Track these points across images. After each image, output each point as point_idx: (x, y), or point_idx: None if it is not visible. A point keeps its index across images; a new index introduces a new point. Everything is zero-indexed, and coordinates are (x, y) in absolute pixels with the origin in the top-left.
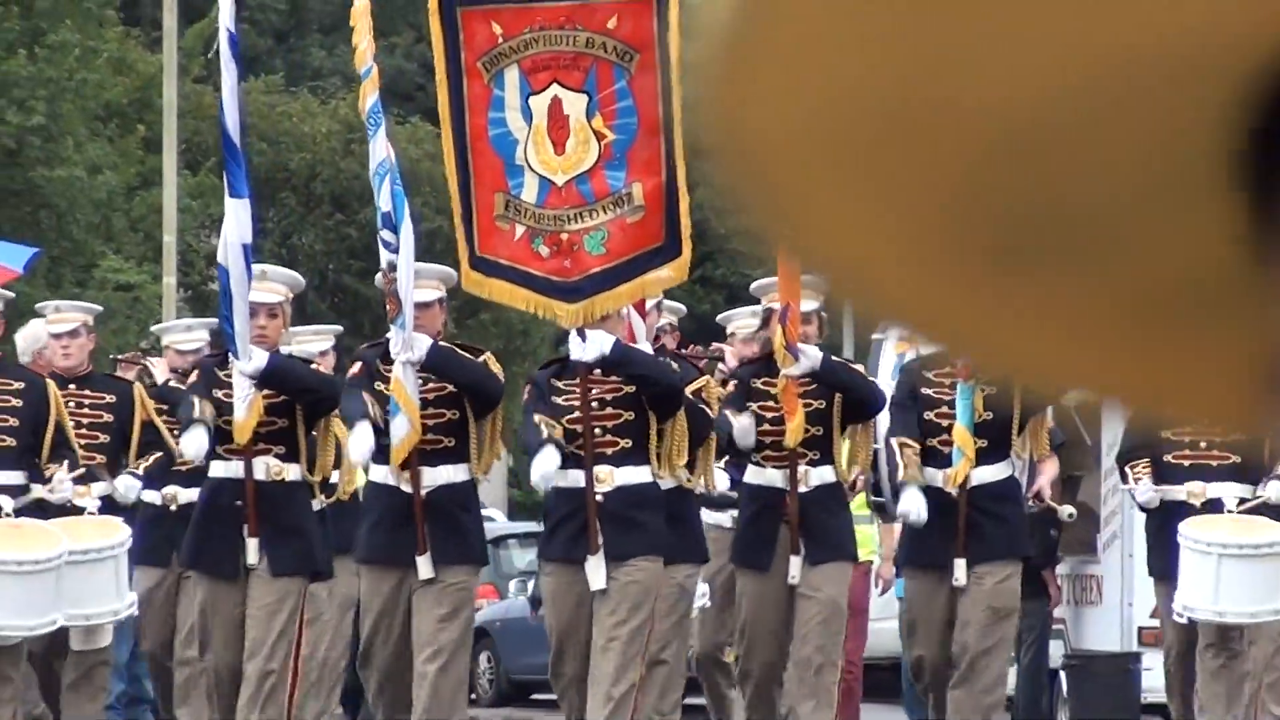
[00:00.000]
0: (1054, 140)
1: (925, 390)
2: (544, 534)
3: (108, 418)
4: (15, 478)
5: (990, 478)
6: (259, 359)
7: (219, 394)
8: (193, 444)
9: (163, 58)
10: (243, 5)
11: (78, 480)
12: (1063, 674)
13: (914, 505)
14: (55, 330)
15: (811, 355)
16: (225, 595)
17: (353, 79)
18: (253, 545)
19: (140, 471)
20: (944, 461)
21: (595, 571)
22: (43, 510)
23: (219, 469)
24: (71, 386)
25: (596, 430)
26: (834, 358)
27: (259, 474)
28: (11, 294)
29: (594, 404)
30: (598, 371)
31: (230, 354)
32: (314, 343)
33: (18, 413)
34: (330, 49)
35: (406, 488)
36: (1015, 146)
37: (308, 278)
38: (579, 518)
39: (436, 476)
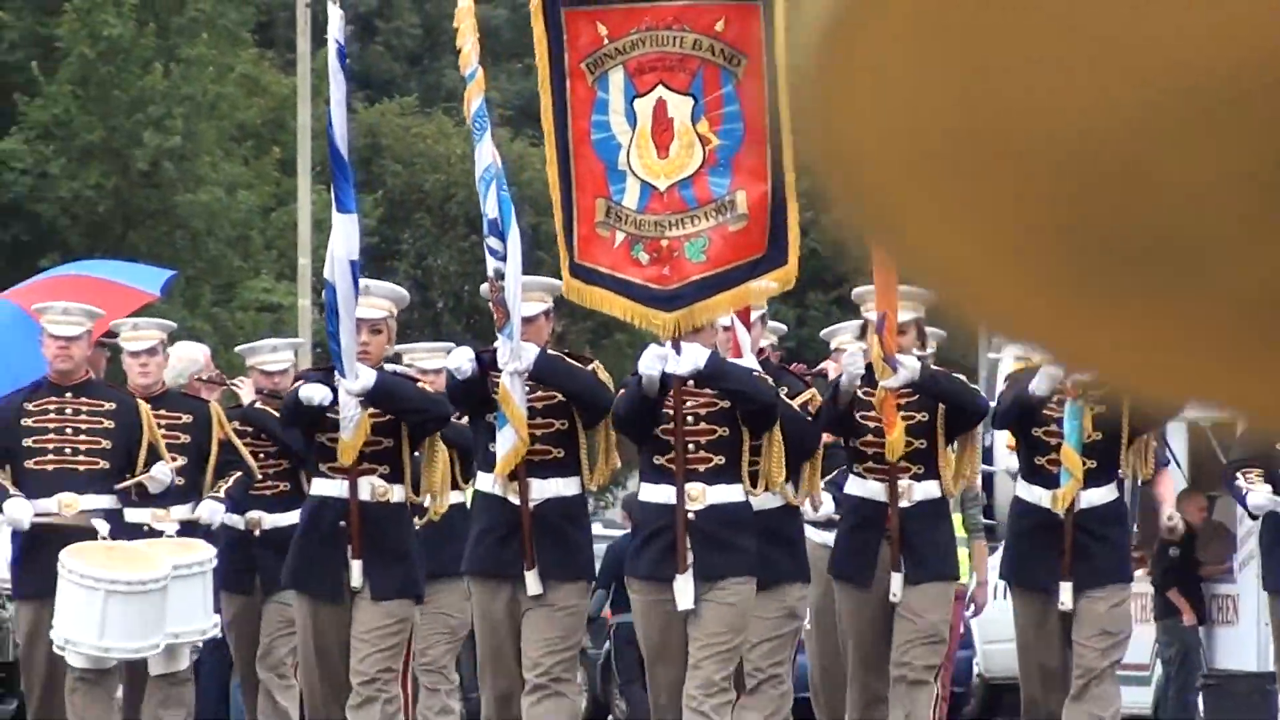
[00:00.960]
0: (1161, 155)
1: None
2: (630, 550)
3: (184, 438)
4: (110, 501)
5: (1098, 500)
6: (366, 377)
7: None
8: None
9: (296, 80)
10: (376, 29)
11: (158, 499)
12: (1200, 694)
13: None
14: (133, 348)
15: (910, 366)
16: (328, 618)
17: (491, 103)
18: (356, 568)
19: (222, 494)
20: (1051, 481)
21: (683, 590)
22: (126, 534)
23: (322, 487)
24: (147, 407)
25: (689, 445)
26: (934, 367)
27: (364, 494)
28: (173, 324)
29: (687, 418)
30: (691, 384)
31: (336, 372)
32: (428, 359)
33: (110, 434)
34: None
35: (514, 499)
36: (1124, 163)
37: (443, 299)
38: (668, 535)
39: (545, 489)
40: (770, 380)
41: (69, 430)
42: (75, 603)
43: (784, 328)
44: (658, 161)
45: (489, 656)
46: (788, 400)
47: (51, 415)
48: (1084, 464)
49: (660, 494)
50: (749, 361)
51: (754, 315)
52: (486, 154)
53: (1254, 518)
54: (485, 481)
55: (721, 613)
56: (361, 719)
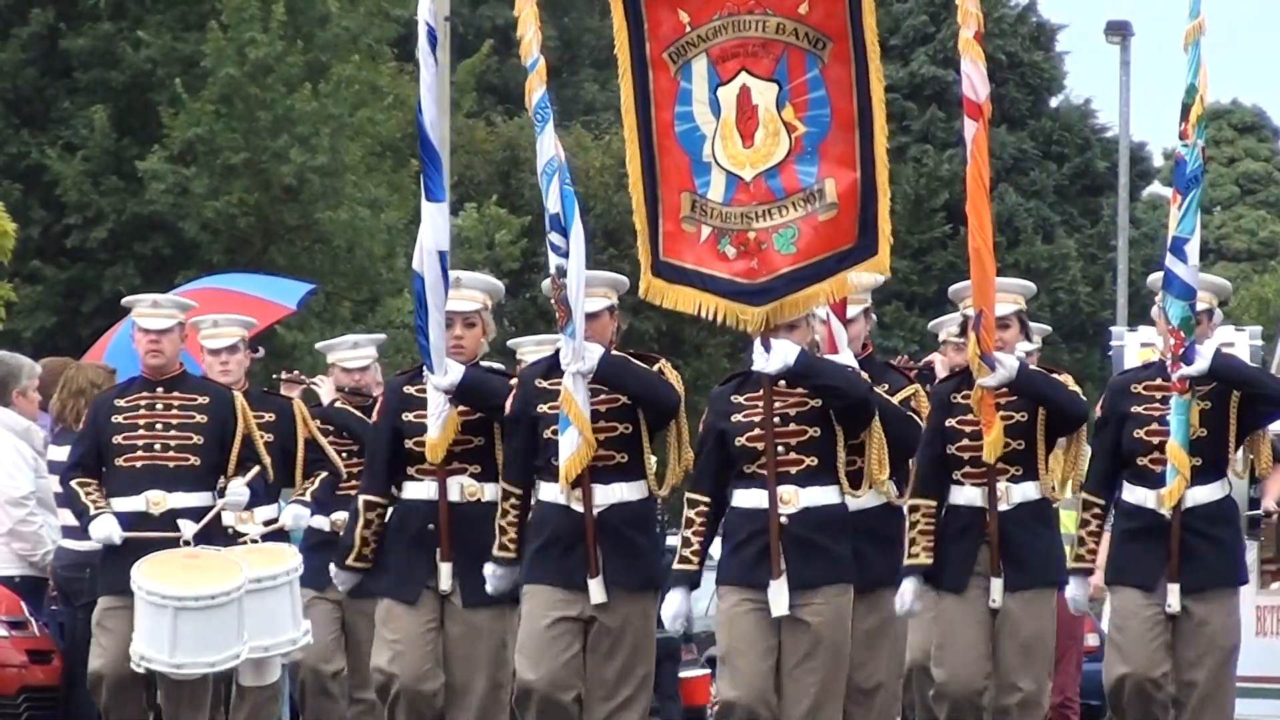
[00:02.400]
0: None
1: (1134, 408)
2: (721, 557)
3: (268, 437)
4: (202, 498)
5: (1206, 498)
6: (454, 373)
7: (408, 416)
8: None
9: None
10: (514, 43)
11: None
12: None
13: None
14: (213, 346)
15: (1008, 365)
16: (408, 617)
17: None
18: (445, 570)
19: (308, 498)
20: (1156, 481)
21: (778, 597)
22: (210, 538)
23: (411, 490)
24: (242, 398)
25: (780, 448)
26: (1034, 367)
27: (453, 495)
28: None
29: (777, 419)
30: (782, 384)
31: (425, 367)
32: (535, 353)
33: (203, 430)
34: (603, 83)
35: (578, 506)
36: None
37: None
38: (760, 541)
39: (610, 495)
40: (868, 377)
41: (159, 425)
42: (147, 618)
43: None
44: (743, 151)
45: (537, 667)
46: (888, 397)
47: (143, 411)
48: (1191, 461)
49: (750, 499)
50: (846, 358)
51: (856, 310)
52: (548, 146)
53: None
54: (547, 491)
55: (819, 629)
56: None
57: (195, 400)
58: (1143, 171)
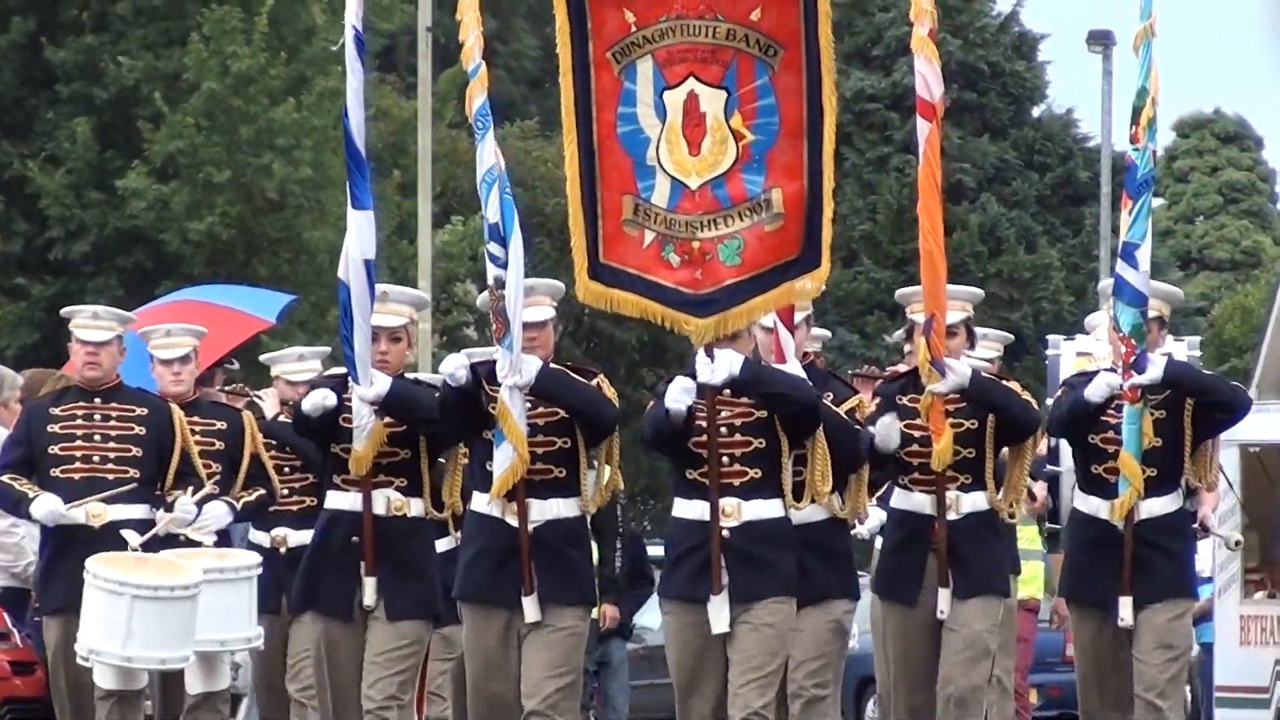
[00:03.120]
0: None
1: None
2: (664, 570)
3: (219, 445)
4: (141, 510)
5: (1159, 510)
6: (380, 384)
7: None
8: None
9: (417, 104)
10: (496, 53)
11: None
12: None
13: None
14: (165, 356)
15: (959, 371)
16: (341, 636)
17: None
18: (370, 585)
19: (237, 503)
20: (1109, 491)
21: (718, 613)
22: (162, 545)
23: (335, 500)
24: (181, 412)
25: (724, 459)
26: (985, 374)
27: (378, 508)
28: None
29: (721, 429)
30: (726, 393)
31: (350, 378)
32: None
33: (141, 441)
34: None
35: (512, 520)
36: None
37: (563, 323)
38: (702, 553)
39: (546, 510)
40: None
41: (98, 437)
42: (100, 609)
43: (828, 334)
44: (689, 158)
45: (480, 684)
46: (833, 407)
47: (79, 421)
48: (1144, 472)
49: (693, 510)
50: (792, 366)
51: (798, 318)
52: (488, 154)
53: None
54: (480, 502)
55: (759, 637)
56: None
57: (133, 412)
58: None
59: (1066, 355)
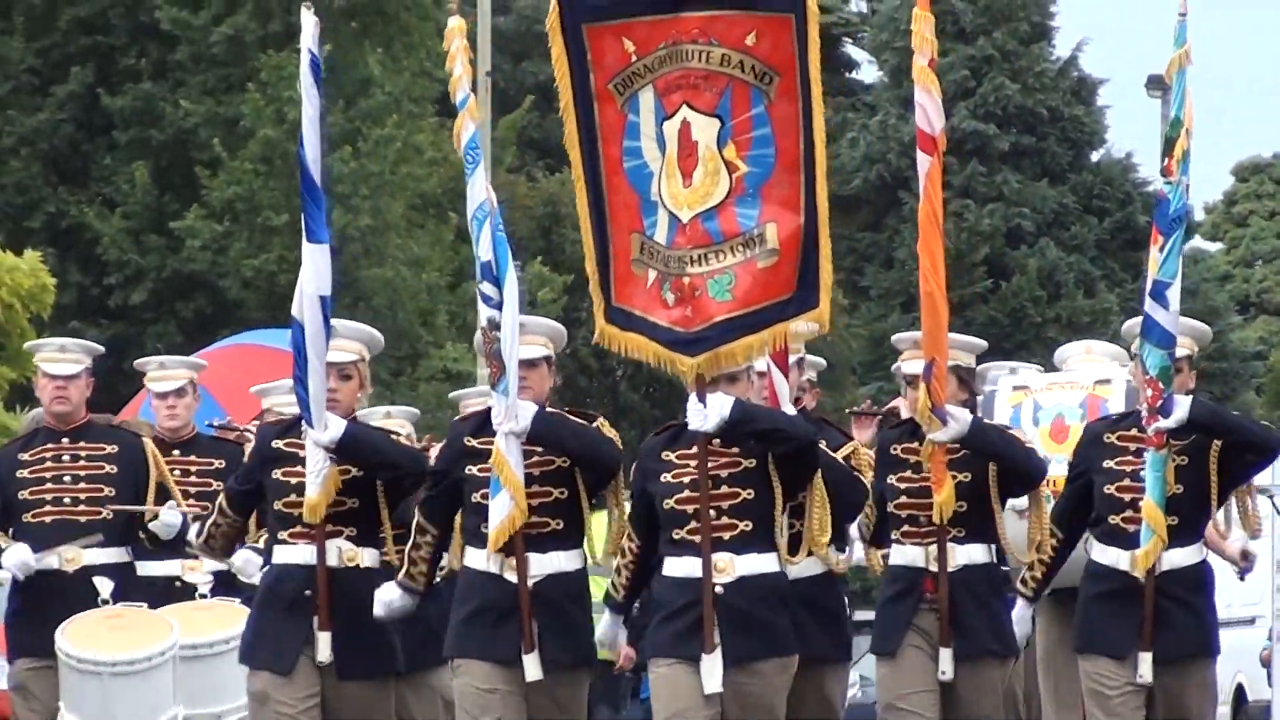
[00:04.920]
0: None
1: (1106, 462)
2: (652, 627)
3: (216, 485)
4: (117, 554)
5: (1183, 561)
6: (335, 427)
7: (278, 473)
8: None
9: None
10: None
11: (187, 551)
12: None
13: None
14: (159, 389)
15: (960, 419)
16: (280, 691)
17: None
18: (324, 640)
19: (261, 545)
20: (1129, 542)
21: (711, 672)
22: (154, 590)
23: (283, 555)
24: (176, 452)
25: (713, 511)
26: (987, 421)
27: (331, 559)
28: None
29: (711, 480)
30: (716, 442)
31: (304, 421)
32: (477, 405)
33: (113, 480)
34: None
35: (511, 576)
36: None
37: (621, 368)
38: (693, 612)
39: (545, 565)
40: None
41: (68, 478)
42: (78, 690)
43: (823, 362)
44: (682, 190)
45: None
46: (829, 452)
47: (49, 463)
48: (1166, 520)
49: (683, 568)
50: (786, 409)
51: (790, 359)
52: (480, 190)
53: None
54: (475, 558)
55: (755, 704)
56: None
57: (103, 450)
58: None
59: (1003, 390)
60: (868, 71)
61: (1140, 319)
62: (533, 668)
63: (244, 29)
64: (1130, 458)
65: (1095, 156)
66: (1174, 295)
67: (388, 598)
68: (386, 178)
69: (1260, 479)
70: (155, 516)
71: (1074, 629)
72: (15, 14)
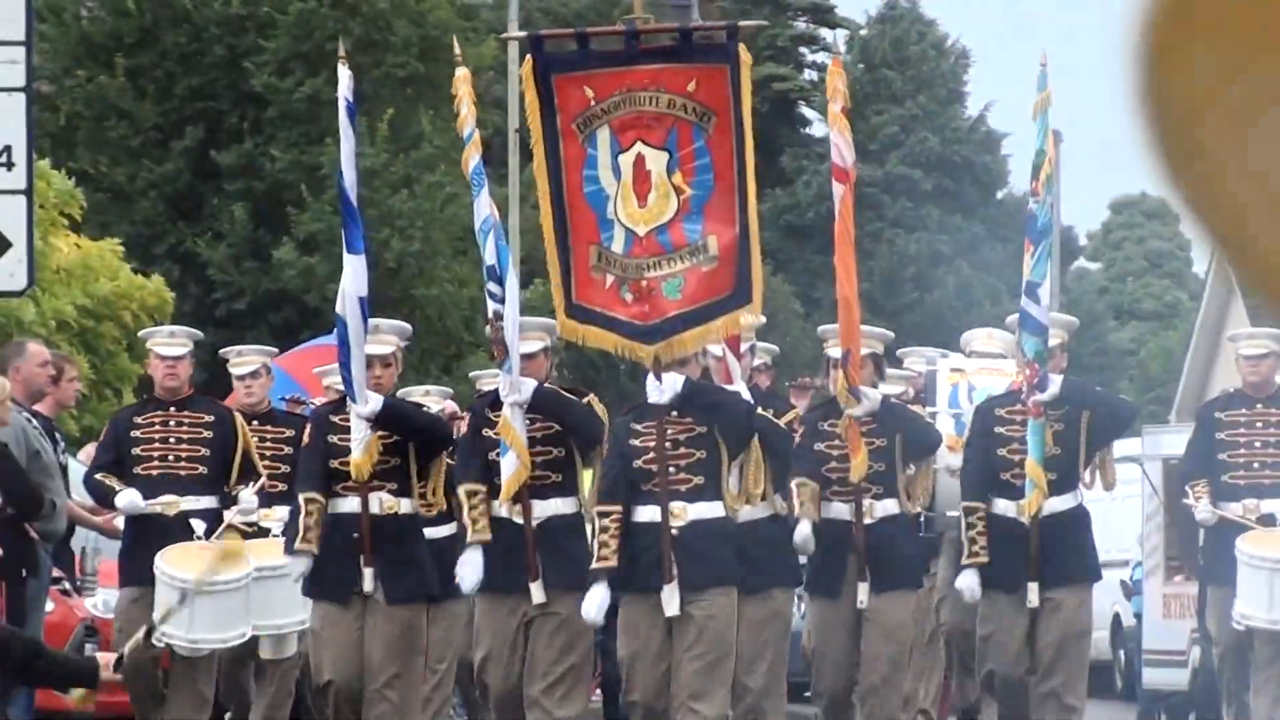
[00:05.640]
0: None
1: (998, 429)
2: (622, 567)
3: (288, 450)
4: (209, 502)
5: (1061, 507)
6: (374, 402)
7: (333, 438)
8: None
9: (507, 190)
10: None
11: (262, 502)
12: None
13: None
14: (238, 372)
15: (872, 397)
16: (337, 618)
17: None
18: (368, 574)
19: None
20: (1017, 493)
21: (670, 599)
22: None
23: (337, 506)
24: (254, 423)
25: (671, 469)
26: (893, 399)
27: (374, 508)
28: (275, 350)
29: (669, 444)
30: (673, 414)
31: (349, 398)
32: (491, 383)
33: (209, 444)
34: None
35: (519, 519)
36: None
37: (624, 364)
38: (654, 550)
39: (546, 509)
40: (754, 402)
41: (172, 440)
42: (168, 601)
43: (776, 349)
44: (638, 210)
45: (495, 659)
46: (770, 417)
47: (157, 427)
48: (1046, 476)
49: (646, 514)
50: (739, 387)
51: (744, 346)
52: (484, 207)
53: (1204, 528)
54: (491, 507)
55: (708, 627)
56: (375, 711)
57: (203, 419)
58: (1071, 249)
59: (942, 371)
60: (818, 127)
61: (1018, 314)
62: (538, 593)
63: (321, 90)
64: (1016, 426)
65: (1000, 195)
66: (1044, 293)
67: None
68: (436, 215)
69: (1131, 448)
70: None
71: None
72: (144, 82)
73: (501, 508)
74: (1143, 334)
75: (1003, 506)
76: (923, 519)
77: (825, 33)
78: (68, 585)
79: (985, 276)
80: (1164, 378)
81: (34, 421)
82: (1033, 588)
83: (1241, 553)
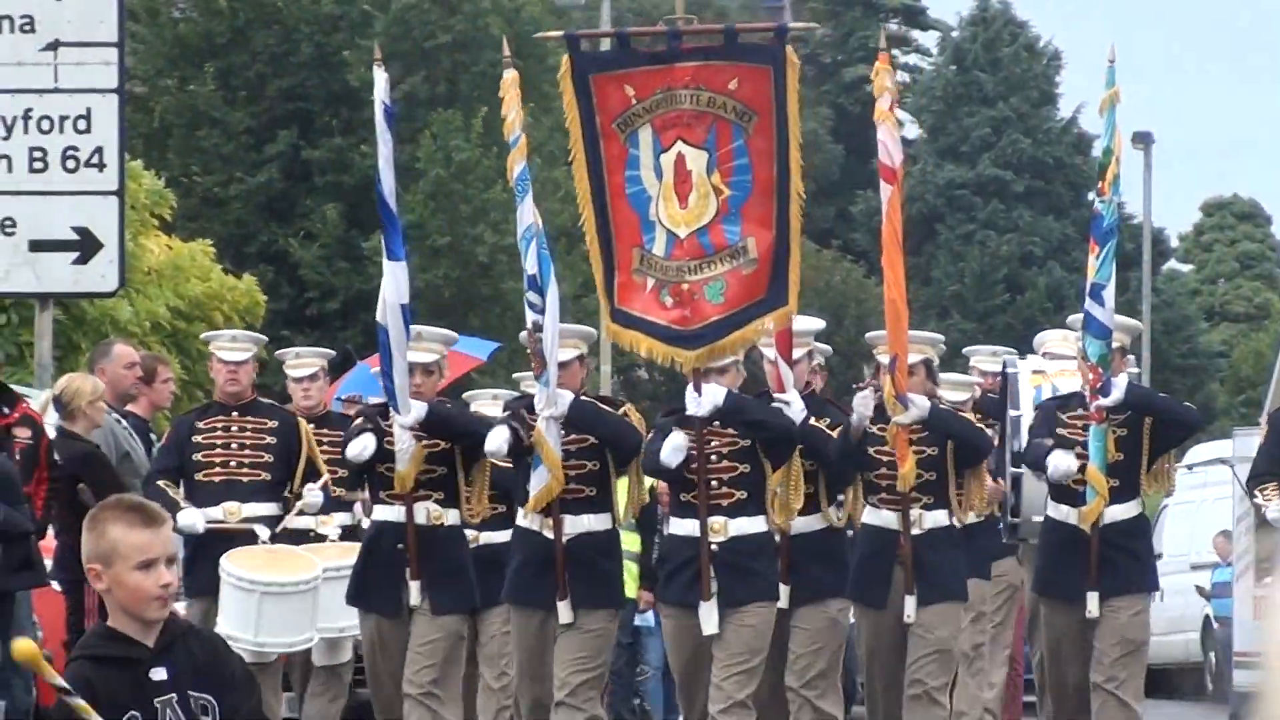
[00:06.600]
0: None
1: (1060, 431)
2: (661, 579)
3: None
4: (271, 509)
5: (1122, 515)
6: (417, 410)
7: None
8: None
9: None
10: None
11: (321, 508)
12: None
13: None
14: (296, 374)
15: (920, 404)
16: (390, 631)
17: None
18: (415, 587)
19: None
20: (1078, 500)
21: (708, 617)
22: (293, 539)
23: (381, 513)
24: (311, 426)
25: (712, 483)
26: (942, 405)
27: (419, 519)
28: (332, 352)
29: (710, 457)
30: (716, 424)
31: (391, 407)
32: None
33: (272, 449)
34: None
35: (548, 533)
36: None
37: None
38: (694, 565)
39: (578, 525)
40: (809, 411)
41: (234, 445)
42: (234, 603)
43: (829, 349)
44: (679, 211)
45: (525, 672)
46: (819, 427)
47: (219, 432)
48: (1108, 482)
49: (686, 527)
50: (791, 395)
51: (800, 353)
52: (527, 214)
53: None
54: (522, 518)
55: (742, 635)
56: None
57: (265, 424)
58: (1162, 251)
59: (1024, 373)
60: (910, 129)
61: (1082, 315)
62: (565, 613)
63: (416, 89)
64: (1078, 430)
65: (1091, 196)
66: (1109, 295)
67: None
68: None
69: (1221, 450)
70: (300, 497)
71: (1034, 574)
72: (236, 85)
73: (529, 519)
74: (1234, 336)
75: (1063, 513)
76: (1004, 525)
77: (916, 34)
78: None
79: (1077, 277)
80: (1255, 379)
81: (123, 422)
82: (1092, 597)
83: None
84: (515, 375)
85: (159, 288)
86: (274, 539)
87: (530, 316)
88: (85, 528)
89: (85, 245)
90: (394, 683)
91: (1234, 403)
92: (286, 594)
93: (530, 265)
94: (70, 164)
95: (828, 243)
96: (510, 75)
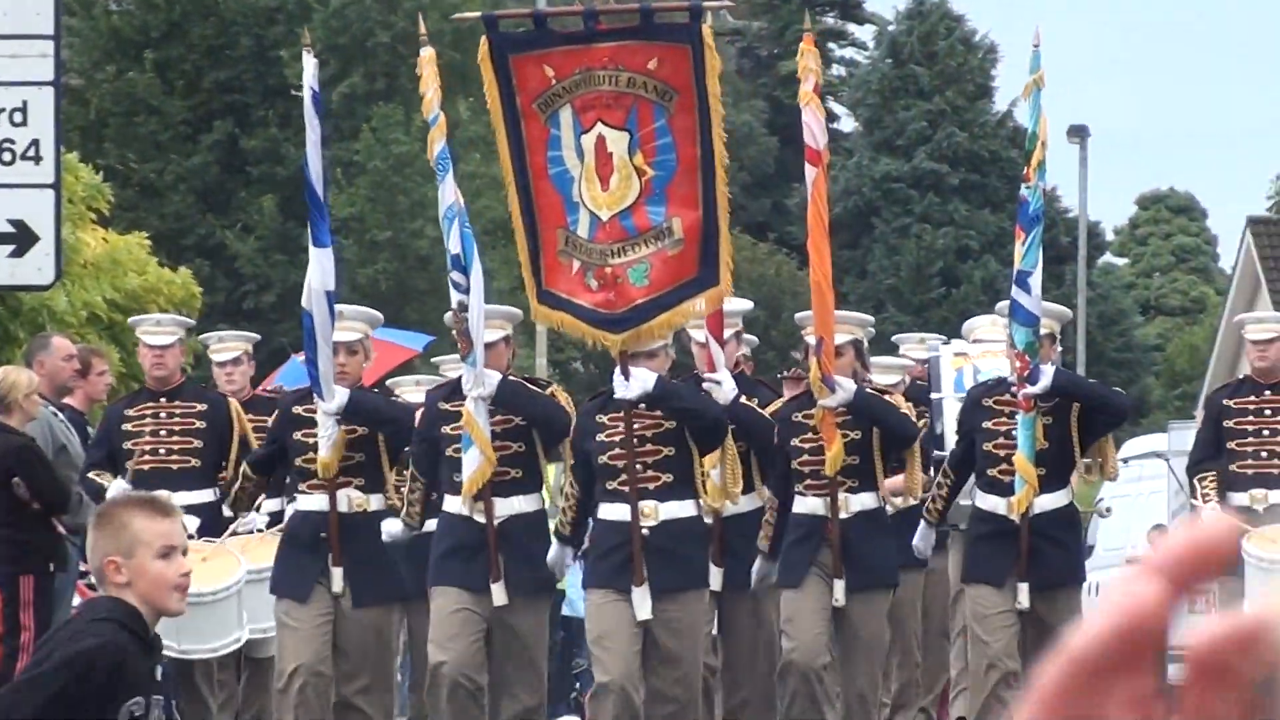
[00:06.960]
0: None
1: (985, 423)
2: (588, 563)
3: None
4: (204, 495)
5: (1051, 505)
6: (340, 397)
7: (298, 434)
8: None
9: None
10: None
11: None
12: None
13: (923, 541)
14: (219, 359)
15: (846, 387)
16: (297, 612)
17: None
18: (337, 575)
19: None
20: (1005, 490)
21: (641, 603)
22: (221, 528)
23: (303, 503)
24: (238, 404)
25: (639, 466)
26: (869, 390)
27: (342, 506)
28: (257, 336)
29: (636, 439)
30: (641, 407)
31: (315, 394)
32: (455, 369)
33: (201, 434)
34: None
35: (480, 518)
36: None
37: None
38: (624, 551)
39: (508, 507)
40: (740, 391)
41: (163, 433)
42: None
43: (755, 340)
44: (601, 194)
45: (443, 658)
46: (753, 407)
47: (148, 419)
48: (1036, 471)
49: (615, 512)
50: (722, 375)
51: (729, 333)
52: (449, 193)
53: None
54: (451, 504)
55: (678, 633)
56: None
57: (194, 408)
58: (1097, 244)
59: (945, 356)
60: (846, 122)
61: (1008, 303)
62: (499, 594)
63: (355, 86)
64: (1004, 419)
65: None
66: (1035, 282)
67: (392, 530)
68: (468, 205)
69: (1157, 444)
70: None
71: (961, 563)
72: (173, 77)
73: (462, 505)
74: (1169, 330)
75: (991, 503)
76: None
77: (852, 27)
78: (94, 579)
79: (1012, 271)
80: (1190, 373)
81: (60, 415)
82: (1022, 588)
83: (1248, 555)
84: (435, 359)
85: (95, 281)
86: (206, 527)
87: (455, 296)
88: (96, 526)
89: (21, 238)
90: (296, 658)
91: (1169, 396)
92: (205, 603)
93: (453, 245)
94: (6, 157)
95: (763, 236)
96: (427, 53)
